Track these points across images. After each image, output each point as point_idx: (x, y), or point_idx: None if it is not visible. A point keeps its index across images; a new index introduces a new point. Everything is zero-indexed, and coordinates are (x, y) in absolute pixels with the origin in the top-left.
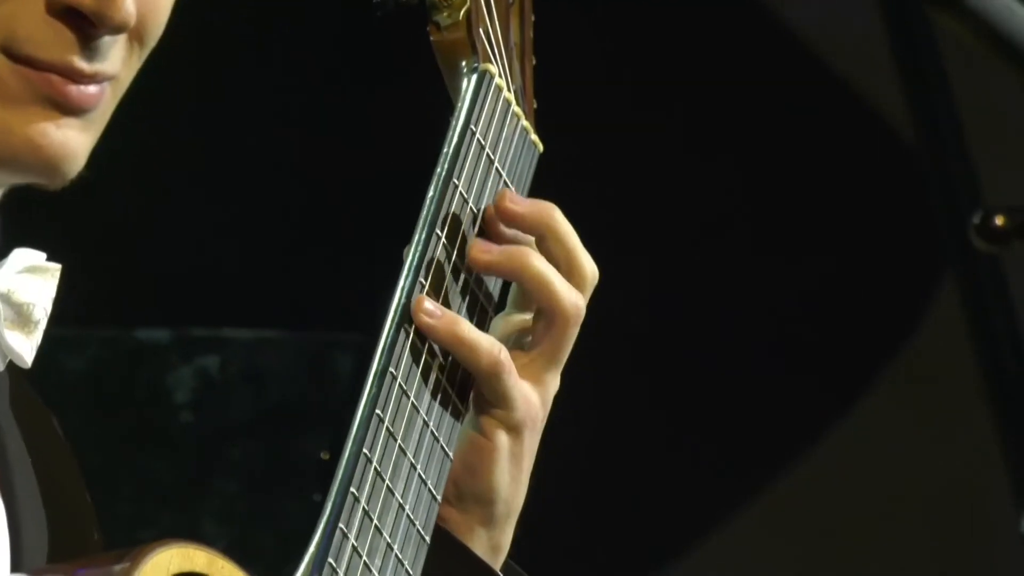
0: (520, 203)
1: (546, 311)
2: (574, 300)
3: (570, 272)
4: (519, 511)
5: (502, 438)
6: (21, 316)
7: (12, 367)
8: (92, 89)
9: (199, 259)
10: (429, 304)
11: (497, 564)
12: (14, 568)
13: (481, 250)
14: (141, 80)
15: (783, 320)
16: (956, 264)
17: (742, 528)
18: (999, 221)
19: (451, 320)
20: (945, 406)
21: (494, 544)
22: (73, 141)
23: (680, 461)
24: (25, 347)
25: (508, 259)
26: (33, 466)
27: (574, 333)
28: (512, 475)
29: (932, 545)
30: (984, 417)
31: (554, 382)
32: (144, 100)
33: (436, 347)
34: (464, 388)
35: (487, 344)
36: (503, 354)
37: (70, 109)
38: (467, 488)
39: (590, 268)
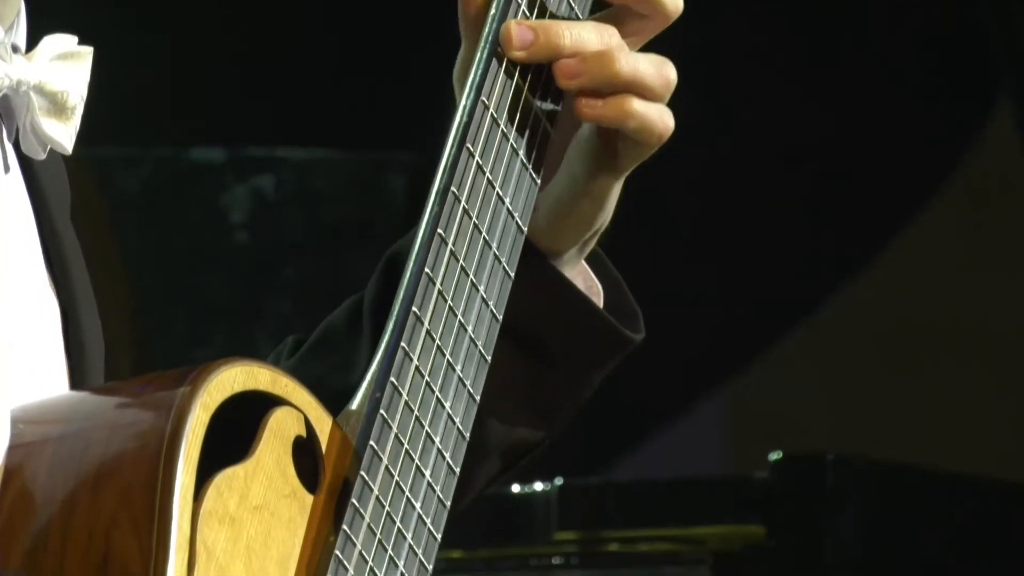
0: None
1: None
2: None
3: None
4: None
5: (606, 187)
6: (57, 104)
7: (78, 179)
8: None
9: (253, 78)
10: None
11: (580, 260)
12: (74, 380)
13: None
14: None
15: (833, 142)
16: (1010, 84)
17: (808, 336)
18: None
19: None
20: (1000, 224)
21: (579, 252)
22: None
23: (752, 266)
24: (63, 134)
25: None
26: (92, 284)
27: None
28: (607, 211)
29: (988, 366)
30: None
31: None
32: None
33: (499, 167)
34: (526, 210)
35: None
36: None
37: None
38: (560, 226)
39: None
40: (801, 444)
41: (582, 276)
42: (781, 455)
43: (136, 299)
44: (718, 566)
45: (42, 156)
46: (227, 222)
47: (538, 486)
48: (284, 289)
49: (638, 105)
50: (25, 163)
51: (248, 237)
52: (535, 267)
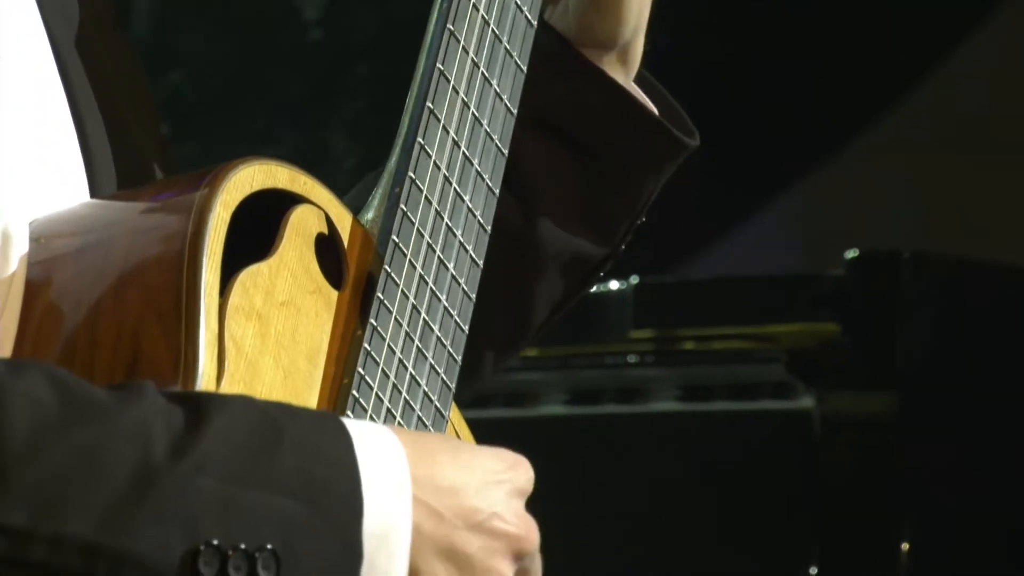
0: None
1: None
2: None
3: None
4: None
5: None
6: None
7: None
8: None
9: None
10: None
11: (629, 76)
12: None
13: None
14: None
15: None
16: None
17: (888, 130)
18: None
19: None
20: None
21: (624, 59)
22: None
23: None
24: None
25: None
26: (101, 93)
27: None
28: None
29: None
30: None
31: None
32: None
33: None
34: (534, 3)
35: None
36: None
37: None
38: (599, 29)
39: None
40: (878, 241)
41: (633, 89)
42: (857, 253)
43: (154, 99)
44: (792, 363)
45: None
46: (301, 19)
47: (614, 285)
48: (357, 87)
49: None
50: None
51: (322, 34)
52: (589, 74)
